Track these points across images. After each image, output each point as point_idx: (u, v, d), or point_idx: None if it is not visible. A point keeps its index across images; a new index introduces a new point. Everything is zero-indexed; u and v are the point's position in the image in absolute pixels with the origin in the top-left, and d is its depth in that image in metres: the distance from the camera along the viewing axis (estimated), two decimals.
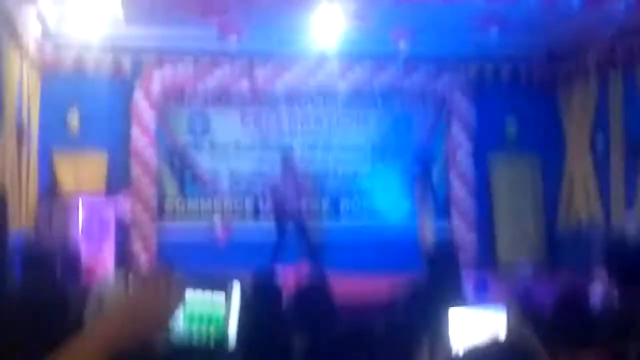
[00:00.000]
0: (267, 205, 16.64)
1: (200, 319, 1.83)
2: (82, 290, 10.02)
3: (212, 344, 1.83)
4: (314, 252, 14.41)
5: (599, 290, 8.64)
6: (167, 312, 1.73)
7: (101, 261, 14.44)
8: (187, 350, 1.86)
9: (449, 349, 2.59)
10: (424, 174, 17.03)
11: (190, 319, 1.83)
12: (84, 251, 13.89)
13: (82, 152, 16.92)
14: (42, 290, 6.57)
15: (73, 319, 5.68)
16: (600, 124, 16.30)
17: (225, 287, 1.84)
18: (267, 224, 15.50)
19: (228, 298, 1.83)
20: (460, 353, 2.42)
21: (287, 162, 15.60)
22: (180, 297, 1.76)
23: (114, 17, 14.24)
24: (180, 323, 1.81)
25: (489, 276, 12.81)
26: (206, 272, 1.88)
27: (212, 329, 1.83)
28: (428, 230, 15.53)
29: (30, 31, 14.97)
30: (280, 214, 15.03)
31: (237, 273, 1.96)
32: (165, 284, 1.72)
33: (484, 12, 13.73)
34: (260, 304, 4.88)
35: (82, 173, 16.52)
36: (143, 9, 13.82)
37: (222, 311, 1.83)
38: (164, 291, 1.71)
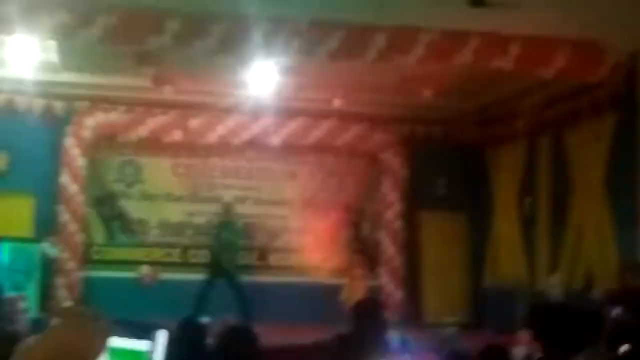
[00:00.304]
0: (195, 257, 16.57)
1: None
2: (8, 329, 9.98)
3: None
4: (243, 304, 14.40)
5: (521, 349, 8.78)
6: (90, 356, 1.72)
7: (25, 303, 14.30)
8: None
9: None
10: (354, 232, 17.08)
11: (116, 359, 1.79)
12: (8, 293, 13.85)
13: (8, 194, 16.76)
14: None
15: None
16: (527, 187, 16.50)
17: (150, 334, 1.89)
18: (195, 276, 15.38)
19: (154, 344, 1.89)
20: None
21: (225, 212, 15.66)
22: (104, 341, 1.74)
23: (49, 62, 14.19)
24: None
25: (415, 335, 12.86)
26: (134, 319, 1.93)
27: None
28: (356, 286, 15.54)
29: None
30: (213, 267, 15.02)
31: (163, 322, 2.01)
32: (90, 326, 1.71)
33: (417, 73, 13.88)
34: (186, 350, 4.92)
35: (7, 215, 16.29)
36: (78, 56, 13.80)
37: (146, 354, 1.87)
38: (88, 332, 1.70)
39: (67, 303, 15.71)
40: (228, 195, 17.38)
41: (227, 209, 15.82)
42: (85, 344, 1.69)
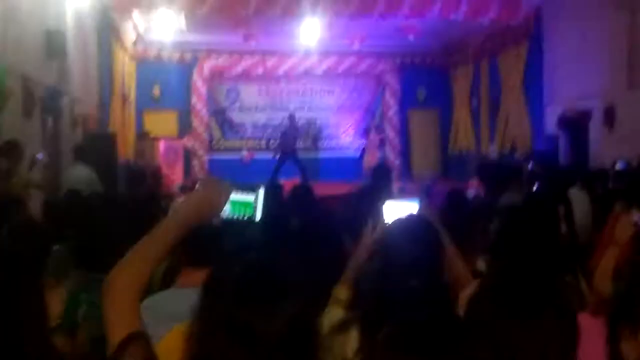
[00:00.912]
0: (274, 143, 16.63)
1: (239, 206, 1.85)
2: (164, 193, 10.14)
3: (247, 219, 1.87)
4: (303, 171, 14.49)
5: (472, 190, 8.81)
6: (220, 204, 1.70)
7: (175, 177, 14.53)
8: (233, 222, 1.88)
9: (384, 223, 2.64)
10: (369, 125, 17.04)
11: (234, 206, 1.83)
12: (164, 171, 14.06)
13: (161, 111, 16.93)
14: (139, 194, 6.64)
15: (160, 210, 5.78)
16: (474, 91, 16.30)
17: (254, 191, 1.87)
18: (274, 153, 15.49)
19: (256, 196, 1.87)
20: (390, 222, 2.45)
21: (290, 118, 15.65)
22: (228, 196, 1.73)
23: (180, 27, 14.09)
24: (228, 209, 1.78)
25: (407, 183, 12.92)
26: (241, 182, 1.92)
27: (246, 211, 1.86)
28: (372, 157, 15.55)
29: (129, 36, 14.83)
30: (284, 148, 15.07)
31: (260, 183, 2.02)
32: (218, 187, 1.69)
33: (405, 22, 13.63)
34: (272, 199, 4.99)
35: (161, 124, 16.46)
36: (198, 23, 13.66)
37: (252, 202, 1.86)
38: (218, 191, 1.69)
39: (200, 175, 15.96)
40: (291, 106, 17.31)
41: (291, 115, 15.73)
42: (216, 197, 1.68)
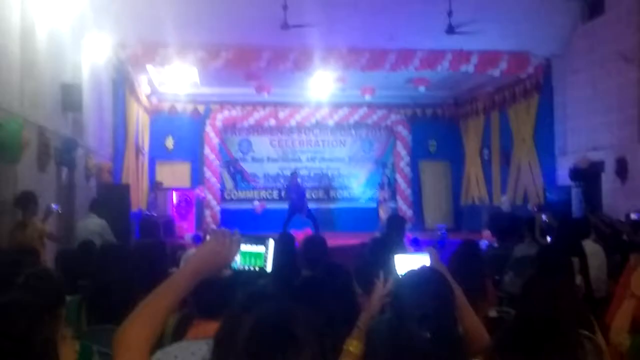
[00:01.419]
0: (285, 194, 16.59)
1: (250, 257, 1.85)
2: (177, 243, 10.13)
3: (257, 270, 1.86)
4: (314, 221, 14.42)
5: (485, 241, 8.77)
6: (230, 255, 1.72)
7: (187, 227, 14.57)
8: (243, 273, 1.87)
9: (396, 274, 2.65)
10: (383, 175, 17.04)
11: (244, 258, 1.83)
12: (176, 221, 14.11)
13: (174, 162, 17.09)
14: (151, 243, 6.63)
15: (170, 261, 5.75)
16: (485, 142, 16.34)
17: (264, 242, 1.87)
18: (285, 206, 15.40)
19: (266, 247, 1.86)
20: (403, 274, 2.47)
21: (291, 176, 15.57)
22: (238, 247, 1.74)
23: (193, 81, 14.30)
24: (238, 260, 1.79)
25: (419, 235, 12.84)
26: (252, 233, 1.92)
27: (257, 262, 1.85)
28: (384, 208, 15.52)
29: (143, 89, 15.06)
30: (294, 201, 14.99)
31: (270, 234, 2.03)
32: (229, 239, 1.70)
33: (415, 77, 13.79)
34: (283, 250, 4.96)
35: (174, 174, 16.58)
36: (211, 76, 13.87)
37: (263, 253, 1.86)
38: (228, 243, 1.70)
39: (211, 225, 15.95)
40: (303, 157, 17.41)
41: (292, 173, 15.68)
42: (227, 248, 1.70)
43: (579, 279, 5.19)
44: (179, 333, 2.94)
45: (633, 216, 8.29)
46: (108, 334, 3.18)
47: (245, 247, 1.83)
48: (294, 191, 15.08)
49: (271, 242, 1.89)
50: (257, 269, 1.87)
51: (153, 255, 5.45)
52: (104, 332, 3.17)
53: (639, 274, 3.05)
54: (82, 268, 4.50)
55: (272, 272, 1.91)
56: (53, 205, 7.21)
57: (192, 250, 7.38)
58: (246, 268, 1.87)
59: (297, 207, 14.70)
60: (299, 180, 15.58)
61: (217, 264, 1.71)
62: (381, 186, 16.31)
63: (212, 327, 1.82)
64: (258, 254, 1.87)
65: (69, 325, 3.18)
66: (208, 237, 1.74)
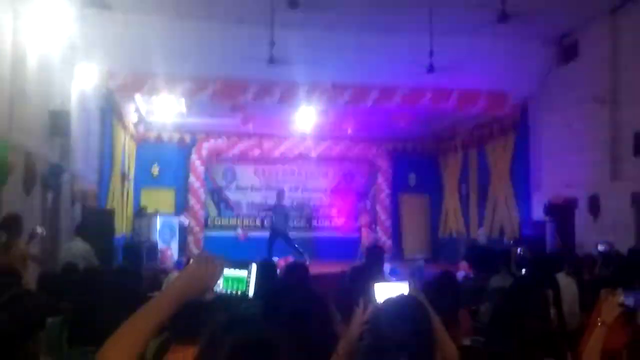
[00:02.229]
0: (267, 222, 16.58)
1: (233, 282, 1.84)
2: (159, 268, 10.04)
3: (239, 295, 1.85)
4: (294, 249, 14.40)
5: (462, 272, 8.77)
6: (214, 279, 1.70)
7: (170, 252, 14.45)
8: (226, 298, 1.85)
9: (375, 302, 2.63)
10: (363, 206, 17.06)
11: (227, 282, 1.82)
12: (160, 246, 13.99)
13: (159, 188, 17.04)
14: (135, 268, 6.55)
15: (154, 285, 5.68)
16: (463, 178, 16.45)
17: (247, 267, 1.86)
18: (267, 234, 15.38)
19: (249, 272, 1.85)
20: (381, 302, 2.49)
21: (278, 195, 15.57)
22: (221, 271, 1.73)
23: (180, 111, 14.30)
24: (221, 284, 1.78)
25: (398, 265, 12.82)
26: (235, 258, 1.91)
27: (239, 287, 1.84)
28: (365, 238, 15.52)
29: (131, 117, 15.04)
30: (275, 228, 14.96)
31: (253, 259, 2.02)
32: (212, 263, 1.68)
33: (397, 112, 13.89)
34: (265, 275, 4.91)
35: (159, 201, 16.48)
36: (198, 107, 13.89)
37: (245, 278, 1.85)
38: (211, 267, 1.68)
39: (195, 251, 15.85)
40: (286, 187, 17.37)
41: (279, 192, 15.70)
42: (209, 273, 1.69)
43: (553, 311, 5.19)
44: (157, 358, 2.90)
45: (600, 247, 8.37)
46: (89, 356, 3.13)
47: (228, 272, 1.81)
48: (279, 211, 15.07)
49: (254, 267, 1.88)
50: (239, 293, 1.86)
51: (136, 279, 5.41)
52: (85, 354, 3.12)
53: (609, 303, 3.07)
54: (65, 290, 4.44)
55: (253, 297, 1.89)
56: (38, 228, 7.13)
57: (174, 274, 7.32)
58: (228, 292, 1.85)
59: (279, 229, 14.71)
60: (285, 198, 15.66)
61: (200, 287, 1.68)
62: (361, 212, 16.41)
63: (189, 352, 1.80)
64: (240, 279, 1.86)
65: (51, 346, 3.13)
66: (191, 261, 1.72)
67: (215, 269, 1.70)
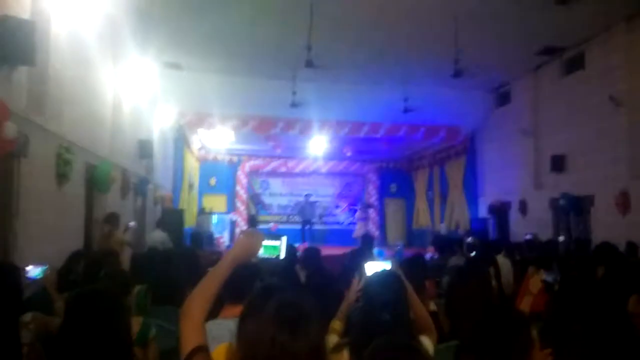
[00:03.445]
0: (291, 218, 16.54)
1: (270, 249, 1.87)
2: (216, 251, 10.02)
3: (274, 258, 1.88)
4: (312, 237, 14.34)
5: (429, 254, 8.70)
6: (258, 247, 1.67)
7: (223, 239, 14.45)
8: (265, 260, 1.88)
9: (366, 275, 2.61)
10: (361, 207, 16.99)
11: (266, 249, 1.83)
12: (216, 235, 13.95)
13: (216, 195, 16.94)
14: (199, 250, 6.53)
15: (211, 262, 5.65)
16: (430, 187, 16.36)
17: (279, 238, 1.90)
18: (293, 225, 15.35)
19: (280, 242, 1.89)
20: (371, 275, 2.45)
21: (306, 197, 15.53)
22: (262, 242, 1.71)
23: (230, 140, 14.35)
24: (262, 251, 1.74)
25: (384, 248, 12.73)
26: (270, 232, 1.92)
27: (274, 252, 1.88)
28: (360, 230, 15.43)
29: (196, 144, 15.10)
30: (304, 217, 14.96)
31: (284, 233, 2.02)
32: (256, 236, 1.67)
33: (382, 140, 13.86)
34: (290, 254, 4.89)
35: (215, 203, 16.46)
36: (242, 136, 13.91)
37: (278, 246, 1.89)
38: (255, 238, 1.67)
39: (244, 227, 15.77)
40: (304, 193, 17.34)
41: (307, 195, 15.64)
42: (255, 244, 1.66)
43: (494, 282, 5.15)
44: (213, 313, 2.90)
45: (527, 237, 8.30)
46: (164, 313, 3.14)
47: (266, 242, 1.82)
48: (308, 208, 15.07)
49: (284, 239, 1.91)
50: (274, 257, 1.88)
51: (199, 258, 5.41)
52: (161, 311, 3.14)
53: (535, 279, 3.05)
54: (149, 267, 4.45)
55: (283, 260, 1.91)
56: (131, 223, 7.18)
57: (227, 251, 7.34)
58: (267, 257, 1.87)
59: (308, 220, 14.77)
60: (311, 199, 15.65)
61: (248, 253, 1.66)
62: (359, 208, 16.45)
63: (236, 310, 1.79)
64: (275, 247, 1.89)
65: (139, 307, 3.14)
66: (241, 235, 1.70)
67: (258, 240, 1.69)
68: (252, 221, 13.02)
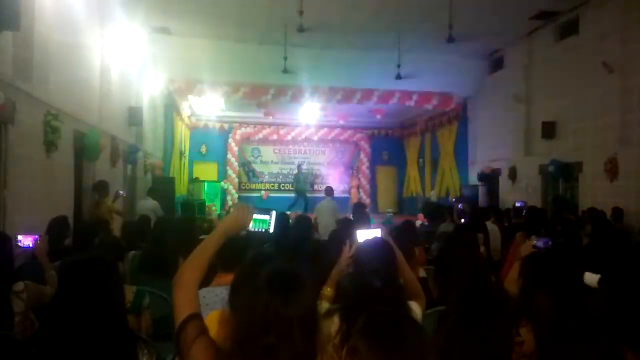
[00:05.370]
0: (283, 187, 16.55)
1: (259, 223, 1.86)
2: (207, 219, 10.05)
3: (264, 231, 1.88)
4: (305, 206, 14.41)
5: (419, 221, 8.80)
6: (248, 221, 1.70)
7: (214, 208, 14.45)
8: (254, 233, 1.87)
9: (358, 242, 2.63)
10: (353, 173, 17.03)
11: (255, 222, 1.83)
12: (207, 204, 13.93)
13: (206, 162, 16.89)
14: (191, 217, 6.54)
15: (204, 228, 5.65)
16: (421, 154, 16.40)
17: (269, 212, 1.88)
18: (283, 195, 15.40)
19: (270, 217, 1.88)
20: (361, 242, 2.44)
21: (298, 167, 15.56)
22: (252, 215, 1.73)
23: (221, 107, 14.21)
24: (251, 224, 1.78)
25: (374, 216, 12.86)
26: (260, 206, 1.91)
27: (264, 226, 1.87)
28: (353, 192, 15.51)
29: (186, 112, 14.93)
30: (297, 187, 15.04)
31: (273, 208, 2.03)
32: (246, 209, 1.68)
33: (374, 108, 13.78)
34: (281, 221, 4.92)
35: (206, 171, 16.40)
36: (233, 104, 13.78)
37: (268, 220, 1.88)
38: (245, 212, 1.68)
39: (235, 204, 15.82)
40: (296, 161, 17.31)
41: (299, 165, 15.65)
42: (245, 216, 1.69)
43: (482, 249, 5.24)
44: (206, 281, 2.93)
45: (517, 204, 8.39)
46: (156, 281, 3.15)
47: (256, 216, 1.83)
48: (301, 177, 15.27)
49: (273, 213, 1.91)
50: (263, 230, 1.89)
51: (192, 224, 5.42)
52: (153, 280, 3.15)
53: (525, 245, 3.10)
54: (140, 234, 4.46)
55: (273, 233, 1.91)
56: (120, 191, 7.15)
57: (218, 223, 7.37)
58: (257, 230, 1.87)
59: (301, 189, 14.94)
60: (303, 169, 15.89)
61: (239, 226, 1.69)
62: (352, 175, 16.60)
63: (229, 278, 1.81)
64: (264, 221, 1.88)
65: (132, 274, 3.15)
66: (232, 209, 1.72)
67: (248, 213, 1.70)
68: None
